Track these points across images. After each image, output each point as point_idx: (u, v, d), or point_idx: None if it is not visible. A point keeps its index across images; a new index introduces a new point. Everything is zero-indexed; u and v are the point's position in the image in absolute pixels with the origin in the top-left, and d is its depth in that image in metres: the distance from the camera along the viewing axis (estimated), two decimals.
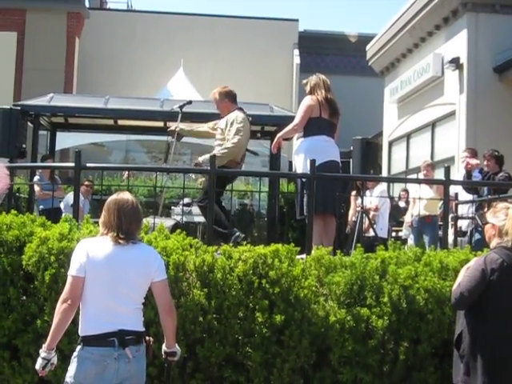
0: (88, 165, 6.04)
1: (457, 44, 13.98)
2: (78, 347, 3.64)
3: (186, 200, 9.67)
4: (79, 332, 3.68)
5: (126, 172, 11.52)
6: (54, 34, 18.79)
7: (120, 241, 3.69)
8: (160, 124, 9.91)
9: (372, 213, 9.97)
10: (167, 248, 4.79)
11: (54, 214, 7.99)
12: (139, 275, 3.72)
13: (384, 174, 17.27)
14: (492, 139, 12.01)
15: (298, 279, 4.75)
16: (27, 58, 18.71)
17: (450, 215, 7.76)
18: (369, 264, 4.88)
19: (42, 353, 3.63)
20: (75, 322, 3.74)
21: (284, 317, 4.59)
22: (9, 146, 7.84)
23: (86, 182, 11.22)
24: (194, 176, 13.18)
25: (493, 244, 4.15)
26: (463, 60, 13.65)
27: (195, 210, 9.23)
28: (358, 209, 8.82)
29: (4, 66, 18.38)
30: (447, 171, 6.05)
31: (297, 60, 21.10)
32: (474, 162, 8.77)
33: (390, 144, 18.16)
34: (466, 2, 13.63)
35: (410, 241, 10.51)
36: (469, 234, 8.88)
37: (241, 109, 7.30)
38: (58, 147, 11.60)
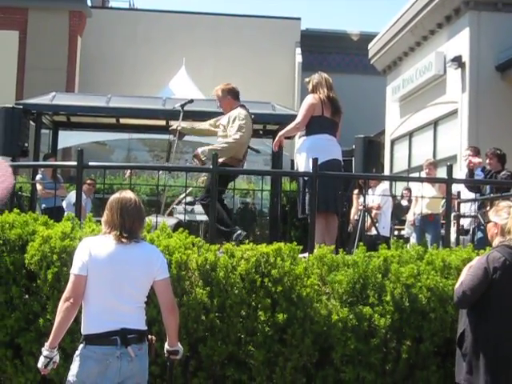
0: (90, 163, 6.04)
1: (459, 42, 13.97)
2: (81, 346, 3.64)
3: (189, 198, 9.66)
4: (81, 330, 3.68)
5: (128, 171, 11.52)
6: (56, 32, 18.81)
7: (123, 239, 3.69)
8: (162, 123, 9.92)
9: (374, 211, 9.96)
10: (169, 247, 4.79)
11: (56, 213, 7.98)
12: (142, 274, 3.72)
13: (386, 172, 17.28)
14: (494, 138, 12.00)
15: (301, 278, 4.75)
16: (29, 57, 18.72)
17: (453, 214, 7.75)
18: (371, 263, 4.88)
19: (45, 351, 3.63)
20: (78, 321, 3.74)
21: (286, 315, 4.59)
22: (11, 144, 7.85)
23: (88, 181, 11.22)
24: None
25: (495, 242, 4.15)
26: (465, 58, 13.64)
27: (197, 208, 9.22)
28: (361, 207, 8.81)
29: (6, 64, 18.40)
30: (449, 170, 6.05)
31: (299, 59, 21.10)
32: (476, 160, 8.77)
33: (392, 142, 18.15)
34: (468, 1, 13.63)
35: (413, 239, 10.50)
36: (471, 232, 8.88)
37: (243, 106, 7.29)
38: (60, 146, 11.61)
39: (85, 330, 3.66)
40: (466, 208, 9.03)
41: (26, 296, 4.84)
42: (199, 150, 7.04)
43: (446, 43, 14.56)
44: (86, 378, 3.56)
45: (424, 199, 8.79)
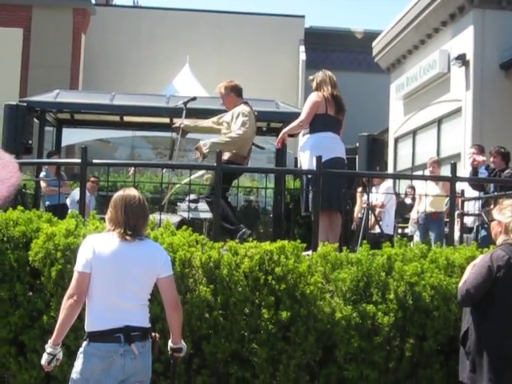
0: (94, 161, 6.04)
1: (463, 40, 13.95)
2: (84, 343, 3.65)
3: (193, 196, 9.66)
4: (85, 328, 3.69)
5: (132, 168, 11.52)
6: (60, 30, 18.82)
7: (127, 237, 3.69)
8: (166, 120, 9.90)
9: (378, 209, 9.95)
10: (173, 244, 4.80)
11: (60, 210, 8.02)
12: (145, 271, 3.72)
13: (390, 170, 17.25)
14: (498, 136, 11.97)
15: (304, 276, 4.75)
16: (33, 55, 18.75)
17: (456, 212, 7.74)
18: (375, 261, 4.88)
19: (48, 348, 3.63)
20: (81, 318, 3.75)
21: (290, 313, 4.59)
22: (15, 142, 7.86)
23: (92, 178, 11.22)
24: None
25: (499, 241, 4.14)
26: (469, 56, 13.61)
27: (201, 206, 9.22)
28: (364, 205, 8.80)
29: (10, 62, 18.42)
30: (453, 168, 6.04)
31: (303, 56, 21.07)
32: (480, 158, 8.76)
33: (396, 140, 18.13)
34: None
35: (416, 237, 10.49)
36: (475, 230, 8.87)
37: (246, 103, 7.27)
38: (63, 143, 11.61)
39: (88, 327, 3.66)
40: (469, 206, 9.03)
41: (30, 293, 4.85)
42: (201, 142, 7.01)
43: (450, 41, 14.54)
44: (89, 375, 3.56)
45: (428, 197, 8.78)
